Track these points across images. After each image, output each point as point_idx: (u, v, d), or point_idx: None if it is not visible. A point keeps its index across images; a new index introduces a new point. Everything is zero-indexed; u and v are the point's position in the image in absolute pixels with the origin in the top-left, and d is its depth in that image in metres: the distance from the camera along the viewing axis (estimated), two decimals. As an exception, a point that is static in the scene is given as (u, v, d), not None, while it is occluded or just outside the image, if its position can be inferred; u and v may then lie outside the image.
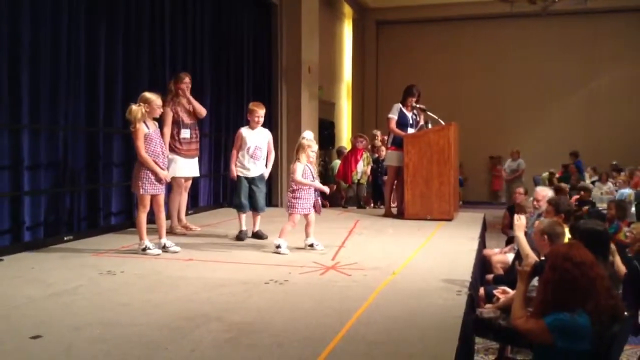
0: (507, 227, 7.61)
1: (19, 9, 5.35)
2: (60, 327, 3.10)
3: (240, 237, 5.83)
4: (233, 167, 5.83)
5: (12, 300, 3.66)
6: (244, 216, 5.90)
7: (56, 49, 5.80)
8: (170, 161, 5.99)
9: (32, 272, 4.44)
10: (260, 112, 5.82)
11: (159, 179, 5.09)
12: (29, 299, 3.68)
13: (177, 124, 6.20)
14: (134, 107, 5.00)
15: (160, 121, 5.56)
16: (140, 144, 5.00)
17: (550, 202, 5.13)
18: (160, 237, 5.20)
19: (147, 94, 5.12)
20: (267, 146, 5.94)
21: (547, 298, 2.76)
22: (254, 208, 5.89)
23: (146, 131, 5.03)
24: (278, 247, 5.18)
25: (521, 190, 6.86)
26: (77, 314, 3.35)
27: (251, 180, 5.83)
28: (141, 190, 5.06)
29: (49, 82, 5.72)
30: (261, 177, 5.90)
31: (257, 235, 5.91)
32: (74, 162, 6.16)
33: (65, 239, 5.73)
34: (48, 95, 5.72)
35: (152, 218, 5.33)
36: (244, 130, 5.84)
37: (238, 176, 5.82)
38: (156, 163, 5.08)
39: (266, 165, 5.96)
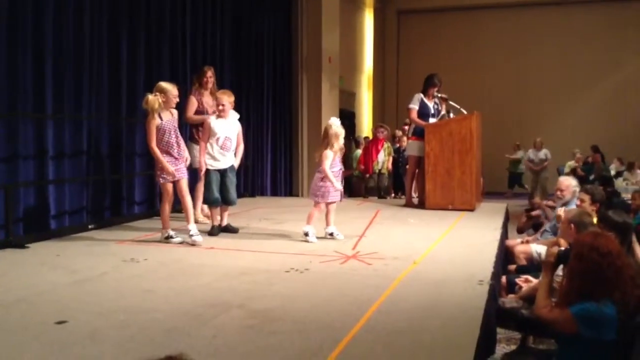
0: (524, 228, 7.40)
1: (42, 2, 5.39)
2: (84, 313, 3.15)
3: (212, 232, 5.54)
4: (202, 160, 5.47)
5: (37, 286, 3.72)
6: (217, 210, 5.63)
7: (79, 40, 5.85)
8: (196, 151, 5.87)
9: (57, 260, 4.51)
10: (225, 98, 5.47)
11: (175, 166, 5.07)
12: (54, 286, 3.75)
13: (202, 114, 6.16)
14: (150, 97, 4.98)
15: (180, 109, 5.53)
16: (152, 136, 4.99)
17: (587, 190, 5.02)
18: (188, 222, 5.12)
19: (163, 84, 5.09)
20: (237, 137, 5.66)
21: (572, 288, 2.73)
22: (227, 201, 5.61)
23: (158, 122, 5.00)
24: (306, 234, 5.16)
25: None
26: (102, 301, 3.40)
27: (223, 173, 5.54)
28: (160, 179, 5.09)
29: (72, 73, 5.78)
30: (232, 168, 5.61)
31: (228, 229, 5.66)
32: (98, 152, 6.24)
33: (90, 227, 5.81)
34: (72, 86, 5.79)
35: (176, 207, 5.34)
36: (213, 120, 5.49)
37: (207, 169, 5.50)
38: (170, 154, 5.05)
39: (235, 156, 5.71)
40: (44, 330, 2.89)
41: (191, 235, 5.09)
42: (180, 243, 5.07)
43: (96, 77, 6.13)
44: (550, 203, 6.50)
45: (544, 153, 13.95)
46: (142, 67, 6.79)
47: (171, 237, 5.11)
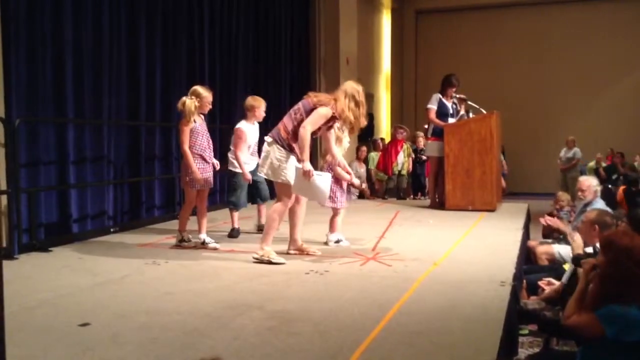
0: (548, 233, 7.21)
1: (61, 6, 5.46)
2: (107, 315, 3.18)
3: (232, 234, 5.59)
4: (245, 168, 5.47)
5: (60, 289, 3.76)
6: (237, 214, 5.71)
7: (98, 45, 5.90)
8: None
9: (80, 263, 4.56)
10: (264, 106, 5.59)
11: (206, 173, 5.07)
12: (77, 288, 3.78)
13: None
14: (187, 100, 4.96)
15: None
16: (186, 139, 4.97)
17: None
18: (199, 232, 5.13)
19: (200, 89, 5.06)
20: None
21: (601, 291, 2.67)
22: (264, 198, 5.75)
23: (192, 125, 4.99)
24: (338, 241, 5.15)
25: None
26: (124, 303, 3.43)
27: (252, 174, 5.55)
28: (189, 186, 5.05)
29: (91, 78, 5.84)
30: (257, 168, 5.49)
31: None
32: (117, 156, 6.29)
33: (111, 230, 5.87)
34: (91, 91, 5.85)
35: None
36: (246, 127, 5.52)
37: (237, 173, 5.57)
38: (203, 157, 5.05)
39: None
40: (67, 333, 2.92)
41: (207, 243, 5.07)
42: (193, 247, 5.05)
43: (115, 81, 6.18)
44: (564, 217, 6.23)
45: (573, 152, 13.69)
46: (159, 71, 6.83)
47: (184, 241, 5.11)
